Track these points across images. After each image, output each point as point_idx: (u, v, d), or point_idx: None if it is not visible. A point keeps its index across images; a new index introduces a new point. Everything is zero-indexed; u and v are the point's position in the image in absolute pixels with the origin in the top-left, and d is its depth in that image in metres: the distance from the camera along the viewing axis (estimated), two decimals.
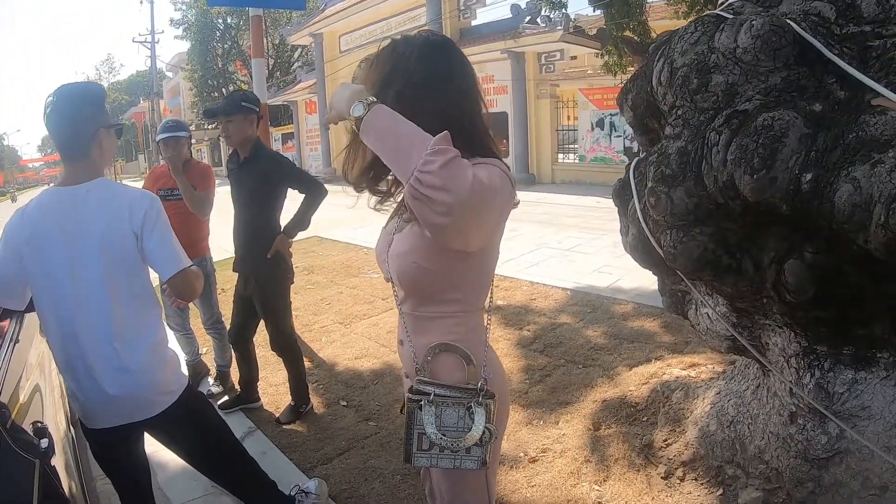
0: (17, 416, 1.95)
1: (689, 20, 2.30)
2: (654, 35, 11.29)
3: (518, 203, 1.46)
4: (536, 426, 3.50)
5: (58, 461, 1.95)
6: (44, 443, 1.87)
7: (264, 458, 3.42)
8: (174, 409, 2.23)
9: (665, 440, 2.97)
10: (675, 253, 1.97)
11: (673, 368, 3.67)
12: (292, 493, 2.89)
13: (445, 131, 1.21)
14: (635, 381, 3.70)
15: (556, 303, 5.78)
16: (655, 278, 2.62)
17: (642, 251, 2.26)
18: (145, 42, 41.79)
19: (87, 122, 2.11)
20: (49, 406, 2.44)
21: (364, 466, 3.30)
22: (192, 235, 4.05)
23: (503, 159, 1.45)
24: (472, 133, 1.43)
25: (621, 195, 2.38)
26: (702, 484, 2.67)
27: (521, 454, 3.23)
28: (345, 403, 4.07)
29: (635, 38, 11.12)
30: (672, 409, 3.13)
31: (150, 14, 42.43)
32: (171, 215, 4.03)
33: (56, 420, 2.38)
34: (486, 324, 1.60)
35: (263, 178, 3.61)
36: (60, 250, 2.04)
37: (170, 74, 57.64)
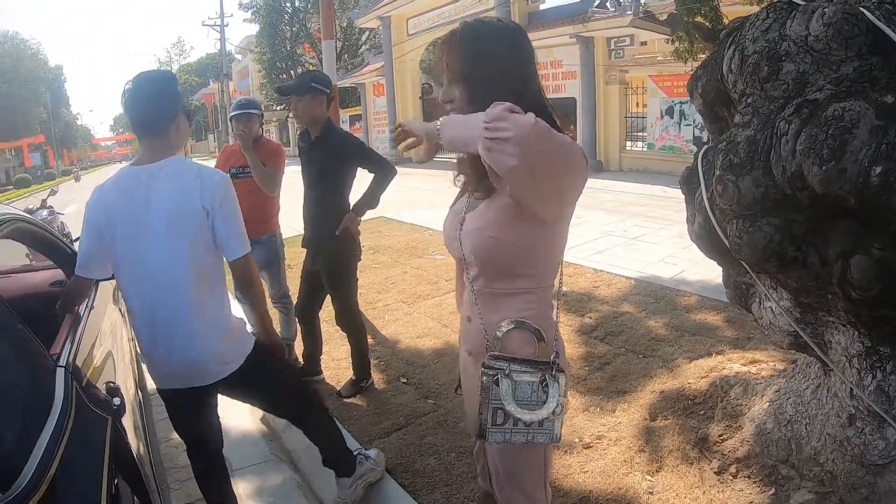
0: (91, 376, 2.08)
1: (761, 6, 2.26)
2: (725, 21, 10.95)
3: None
4: (593, 413, 3.51)
5: (127, 421, 2.07)
6: (116, 401, 2.01)
7: None
8: (243, 369, 2.34)
9: (720, 435, 2.95)
10: (741, 243, 1.95)
11: (733, 363, 3.62)
12: (354, 453, 3.02)
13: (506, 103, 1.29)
14: (694, 374, 3.67)
15: (620, 291, 5.74)
16: (720, 271, 2.59)
17: (708, 240, 2.24)
18: (215, 25, 42.82)
19: (166, 104, 2.24)
20: (120, 370, 2.58)
21: (420, 443, 3.37)
22: (263, 212, 4.19)
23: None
24: (547, 117, 1.44)
25: (689, 183, 2.36)
26: (754, 482, 2.64)
27: (576, 440, 3.25)
28: (405, 380, 4.15)
29: (706, 23, 10.81)
30: (730, 405, 3.10)
31: None
32: (242, 192, 4.15)
33: (126, 384, 2.52)
34: (555, 304, 1.62)
35: (334, 156, 3.68)
36: (135, 225, 2.15)
37: (239, 57, 58.77)
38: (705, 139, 13.76)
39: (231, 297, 2.60)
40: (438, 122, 1.44)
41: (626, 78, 17.00)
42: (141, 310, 2.24)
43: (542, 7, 19.16)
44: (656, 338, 4.50)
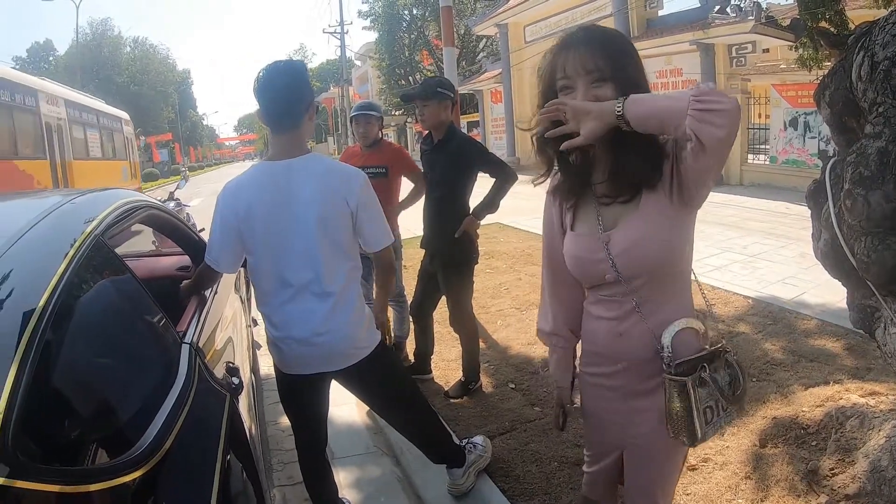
0: (213, 355, 2.20)
1: (890, 9, 2.16)
2: (851, 26, 10.38)
3: None
4: None
5: (242, 400, 2.17)
6: (234, 380, 2.13)
7: None
8: (366, 361, 2.43)
9: (832, 469, 2.82)
10: (869, 262, 1.88)
11: (851, 394, 3.44)
12: (462, 444, 3.09)
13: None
14: (809, 402, 3.52)
15: (736, 310, 5.56)
16: (843, 294, 2.49)
17: (833, 258, 2.16)
18: (335, 33, 44.37)
19: (300, 94, 2.29)
20: (239, 353, 2.72)
21: (523, 449, 3.39)
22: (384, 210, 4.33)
23: None
24: None
25: (815, 197, 2.28)
26: None
27: None
28: (513, 386, 4.17)
29: (832, 29, 10.28)
30: (844, 437, 2.96)
31: (339, 7, 44.63)
32: None
33: (244, 366, 2.64)
34: None
35: (456, 160, 3.76)
36: (278, 220, 2.24)
37: (358, 63, 60.36)
38: (831, 153, 13.09)
39: None
40: (618, 101, 1.39)
41: (748, 87, 16.35)
42: (281, 299, 2.33)
43: (660, 13, 18.73)
44: (772, 361, 4.33)
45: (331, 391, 2.64)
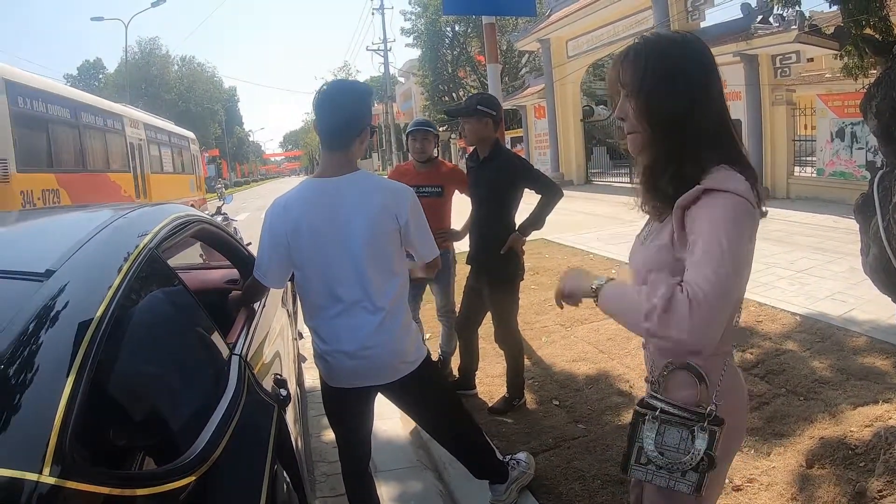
0: (262, 367, 2.25)
1: None
2: None
3: (766, 213, 1.43)
4: (746, 454, 3.37)
5: (288, 414, 2.22)
6: (282, 392, 2.18)
7: None
8: (413, 375, 2.45)
9: (880, 491, 2.77)
10: None
11: None
12: (505, 460, 3.09)
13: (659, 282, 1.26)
14: (858, 422, 3.45)
15: (783, 327, 5.45)
16: (893, 311, 2.47)
17: (883, 273, 2.15)
18: (378, 50, 44.86)
19: (357, 117, 2.32)
20: (286, 366, 2.77)
21: (567, 466, 3.37)
22: (435, 228, 4.36)
23: (747, 166, 1.41)
24: (718, 136, 1.40)
25: (863, 211, 2.26)
26: None
27: (727, 480, 3.16)
28: (557, 403, 4.16)
29: (877, 36, 10.07)
30: (893, 459, 2.88)
31: (381, 25, 45.06)
32: None
33: (290, 378, 2.69)
34: (731, 345, 1.56)
35: (502, 177, 3.78)
36: (325, 237, 2.27)
37: (402, 80, 61.03)
38: (879, 164, 12.80)
39: None
40: (594, 284, 1.46)
41: (792, 98, 16.07)
42: (330, 314, 2.35)
43: (702, 25, 18.54)
44: (820, 380, 4.24)
45: (376, 405, 2.67)
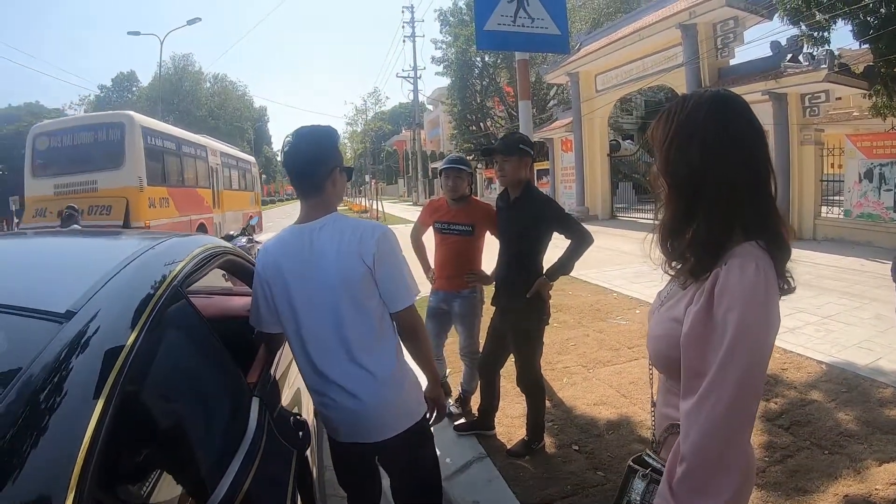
0: (281, 409, 2.22)
1: None
2: None
3: (794, 290, 1.41)
4: None
5: (308, 452, 2.19)
6: (301, 434, 2.12)
7: (489, 486, 3.60)
8: (403, 436, 2.33)
9: None
10: None
11: None
12: None
13: None
14: (884, 480, 3.38)
15: (809, 376, 5.36)
16: None
17: None
18: (408, 77, 45.43)
19: (324, 161, 2.29)
20: (305, 402, 2.72)
21: None
22: (467, 268, 4.33)
23: (783, 235, 1.37)
24: (740, 203, 1.34)
25: None
26: None
27: None
28: (577, 448, 4.09)
29: None
30: None
31: (412, 53, 45.47)
32: (447, 247, 4.29)
33: (309, 410, 2.66)
34: None
35: (533, 219, 3.75)
36: (299, 283, 2.23)
37: (430, 107, 61.61)
38: None
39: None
40: None
41: (821, 137, 15.98)
42: (311, 366, 2.29)
43: (732, 62, 18.55)
44: (845, 433, 4.15)
45: None
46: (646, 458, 1.50)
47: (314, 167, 2.28)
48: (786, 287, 1.38)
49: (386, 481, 2.66)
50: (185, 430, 1.59)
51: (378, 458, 2.51)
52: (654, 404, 1.63)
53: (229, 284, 4.09)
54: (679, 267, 1.44)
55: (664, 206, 1.45)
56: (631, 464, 1.52)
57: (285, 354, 2.64)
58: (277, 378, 2.42)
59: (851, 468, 3.67)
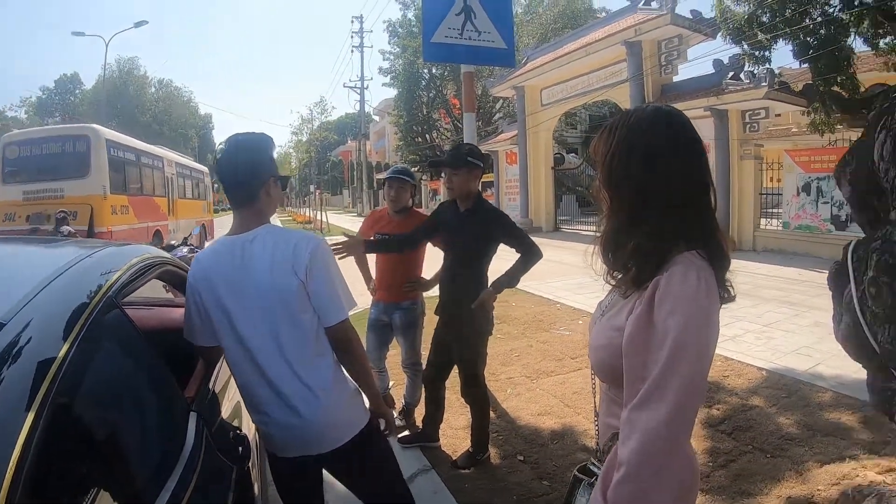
0: (221, 423, 2.16)
1: None
2: (862, 89, 10.49)
3: (734, 299, 1.43)
4: None
5: (249, 466, 2.14)
6: (241, 450, 2.07)
7: (434, 498, 3.56)
8: (353, 444, 2.28)
9: None
10: (893, 350, 1.86)
11: (868, 471, 3.38)
12: None
13: None
14: (825, 481, 3.44)
15: (750, 382, 5.47)
16: (858, 366, 2.45)
17: (855, 343, 2.12)
18: (355, 87, 45.28)
19: (257, 169, 2.22)
20: (245, 416, 2.59)
21: None
22: (407, 279, 4.32)
23: (722, 244, 1.39)
24: (682, 215, 1.36)
25: (836, 280, 2.25)
26: None
27: None
28: (521, 458, 4.08)
29: (843, 93, 10.37)
30: None
31: (360, 63, 45.33)
32: (387, 258, 4.23)
33: (249, 424, 2.55)
34: None
35: (483, 232, 3.73)
36: (233, 296, 2.15)
37: (376, 118, 61.49)
38: (843, 217, 13.10)
39: None
40: None
41: (760, 152, 16.47)
42: (248, 380, 2.22)
43: (675, 79, 19.00)
44: (786, 436, 4.25)
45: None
46: (591, 468, 1.51)
47: (248, 176, 2.22)
48: (726, 296, 1.41)
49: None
50: (119, 446, 1.53)
51: (327, 468, 2.44)
52: (597, 414, 1.63)
53: (171, 296, 3.94)
54: (621, 277, 1.45)
55: (606, 218, 1.46)
56: (576, 473, 1.53)
57: (225, 369, 2.55)
58: (217, 392, 2.36)
59: (793, 470, 3.73)
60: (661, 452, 1.20)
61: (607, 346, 1.40)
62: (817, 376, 5.54)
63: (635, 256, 1.37)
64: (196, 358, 2.47)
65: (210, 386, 2.29)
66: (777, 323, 7.79)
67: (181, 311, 3.34)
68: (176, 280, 2.67)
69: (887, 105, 2.08)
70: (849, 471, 3.48)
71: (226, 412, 2.40)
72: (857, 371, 2.44)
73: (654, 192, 1.35)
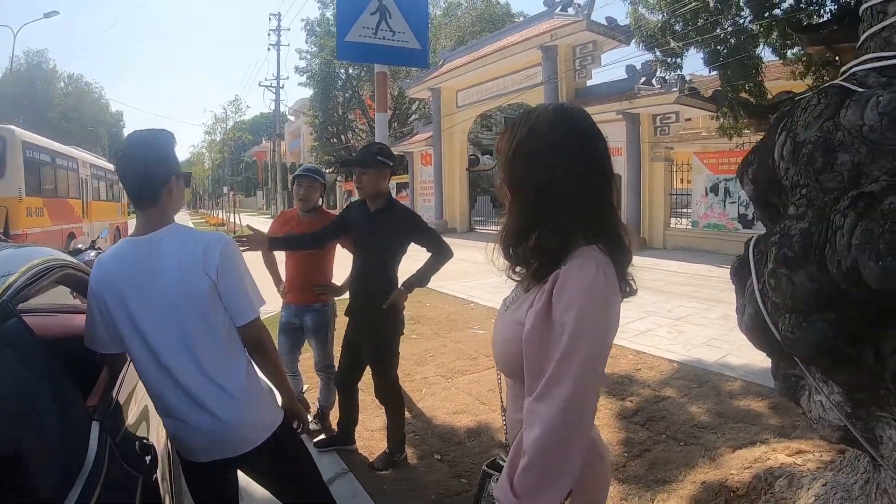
0: (125, 432, 2.07)
1: (807, 81, 2.23)
2: (769, 96, 10.98)
3: (635, 292, 1.46)
4: (630, 502, 3.41)
5: (157, 475, 2.04)
6: (148, 459, 1.97)
7: (353, 501, 3.51)
8: (269, 444, 2.24)
9: None
10: (793, 338, 1.89)
11: (778, 454, 3.48)
12: None
13: None
14: (737, 465, 3.53)
15: (662, 374, 5.62)
16: (765, 355, 2.52)
17: (758, 333, 2.17)
18: (270, 86, 44.40)
19: (157, 169, 2.15)
20: (154, 425, 2.53)
21: None
22: (317, 280, 4.25)
23: (623, 238, 1.41)
24: (582, 209, 1.37)
25: (739, 273, 2.31)
26: None
27: None
28: (438, 457, 4.07)
29: (751, 99, 10.84)
30: (774, 498, 2.96)
31: (276, 61, 44.57)
32: (297, 260, 4.19)
33: (158, 437, 2.47)
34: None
35: (394, 232, 3.70)
36: (139, 300, 2.08)
37: (292, 118, 60.61)
38: (750, 216, 13.70)
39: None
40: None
41: (671, 154, 17.06)
42: (158, 386, 2.15)
43: (589, 83, 19.45)
44: (698, 424, 4.38)
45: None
46: (500, 462, 1.52)
47: (149, 175, 2.14)
48: (627, 289, 1.43)
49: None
50: (16, 458, 1.45)
51: (244, 471, 2.39)
52: (504, 409, 1.65)
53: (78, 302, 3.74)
54: (523, 272, 1.46)
55: (507, 214, 1.47)
56: (485, 468, 1.54)
57: (130, 376, 2.45)
58: (122, 400, 2.26)
59: (706, 456, 3.85)
60: (561, 441, 1.22)
61: (509, 341, 1.41)
62: (727, 366, 5.75)
63: (535, 252, 1.38)
64: (101, 366, 2.37)
65: (114, 394, 2.19)
66: (687, 317, 8.05)
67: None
68: (80, 285, 2.55)
69: (788, 108, 2.14)
70: (760, 454, 3.58)
71: (131, 420, 2.30)
72: (763, 360, 2.51)
73: (554, 189, 1.37)
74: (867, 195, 1.69)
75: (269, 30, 44.70)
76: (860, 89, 1.89)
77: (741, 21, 10.74)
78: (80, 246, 11.20)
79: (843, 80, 2.05)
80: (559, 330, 1.24)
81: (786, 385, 2.46)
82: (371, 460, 4.00)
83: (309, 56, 39.50)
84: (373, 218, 3.75)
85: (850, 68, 2.15)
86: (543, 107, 1.45)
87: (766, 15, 10.08)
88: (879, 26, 2.12)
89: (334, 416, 4.38)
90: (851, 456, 2.67)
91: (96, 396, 2.08)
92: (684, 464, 3.77)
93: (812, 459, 3.28)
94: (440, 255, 3.77)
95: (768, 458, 3.45)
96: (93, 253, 9.56)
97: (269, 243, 3.86)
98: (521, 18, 29.68)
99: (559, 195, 1.36)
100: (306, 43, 39.70)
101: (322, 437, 4.30)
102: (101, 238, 12.68)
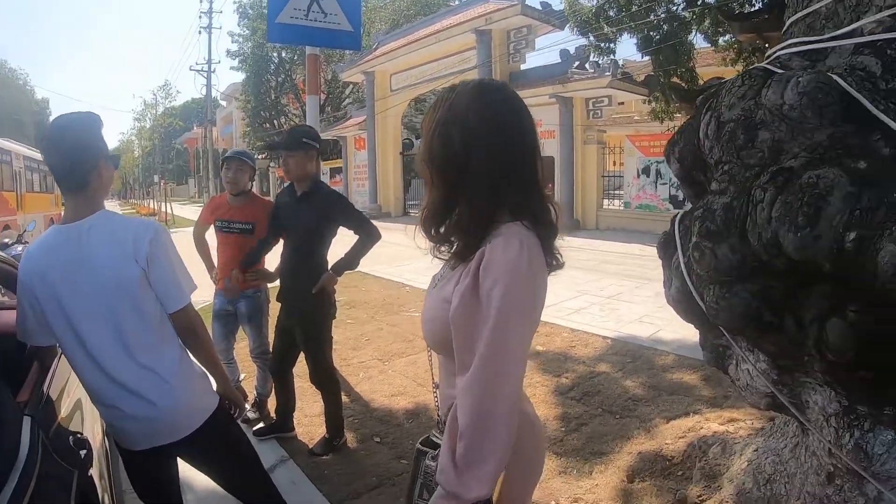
0: (59, 427, 2.03)
1: (737, 67, 2.30)
2: (701, 82, 11.29)
3: (562, 266, 1.47)
4: (569, 475, 3.47)
5: (93, 471, 2.01)
6: (83, 454, 1.96)
7: (294, 488, 3.48)
8: (205, 428, 2.23)
9: (699, 496, 2.91)
10: (718, 308, 1.96)
11: (711, 423, 3.62)
12: None
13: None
14: (672, 435, 3.65)
15: (596, 351, 5.74)
16: (696, 331, 2.60)
17: (685, 305, 2.24)
18: (202, 71, 43.15)
19: (85, 153, 2.10)
20: (88, 419, 2.50)
21: None
22: (248, 269, 4.15)
23: (548, 212, 1.41)
24: (504, 186, 1.36)
25: (665, 248, 2.38)
26: None
27: (552, 503, 3.20)
28: (378, 440, 4.08)
29: (683, 84, 11.12)
30: (708, 465, 3.07)
31: (207, 45, 43.34)
32: (227, 246, 4.16)
33: (94, 432, 2.44)
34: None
35: (321, 214, 3.67)
36: (69, 290, 2.04)
37: (224, 104, 59.14)
38: (681, 198, 14.06)
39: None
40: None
41: (603, 138, 17.35)
42: (102, 373, 2.10)
43: (522, 67, 19.59)
44: (633, 398, 4.49)
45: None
46: (433, 439, 1.52)
47: (77, 160, 2.08)
48: (554, 263, 1.45)
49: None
50: None
51: (182, 457, 2.36)
52: (436, 385, 1.64)
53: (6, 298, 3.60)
54: (447, 250, 1.46)
55: (428, 193, 1.46)
56: (419, 446, 1.52)
57: (62, 369, 2.41)
58: (54, 395, 2.20)
59: (642, 428, 3.96)
60: (493, 415, 1.24)
61: (437, 319, 1.41)
62: (659, 341, 5.92)
63: (458, 230, 1.39)
64: (31, 360, 2.31)
65: (45, 388, 2.14)
66: (620, 295, 8.23)
67: (14, 312, 3.11)
68: (8, 279, 2.52)
69: (714, 90, 2.20)
70: (693, 424, 3.71)
71: (64, 414, 2.25)
72: (695, 335, 2.60)
73: (474, 167, 1.35)
74: (786, 170, 1.75)
75: (201, 12, 43.47)
76: (782, 71, 1.96)
77: (674, 8, 11.00)
78: (6, 240, 10.73)
79: (767, 63, 2.12)
80: (486, 306, 1.25)
81: (714, 355, 2.55)
82: (311, 446, 3.98)
83: (241, 39, 38.54)
84: (299, 200, 3.73)
85: (775, 52, 2.23)
86: (464, 84, 1.43)
87: (698, 3, 10.35)
88: (804, 12, 2.20)
89: (272, 404, 4.33)
90: (781, 422, 2.77)
91: (27, 391, 2.03)
92: (620, 436, 3.87)
93: (744, 427, 3.41)
94: (367, 237, 3.77)
95: (701, 428, 3.58)
96: (20, 247, 9.21)
97: (243, 265, 3.99)
98: (456, 2, 29.66)
99: (478, 173, 1.35)
100: (239, 26, 38.88)
101: (261, 425, 4.26)
102: (29, 231, 11.96)
